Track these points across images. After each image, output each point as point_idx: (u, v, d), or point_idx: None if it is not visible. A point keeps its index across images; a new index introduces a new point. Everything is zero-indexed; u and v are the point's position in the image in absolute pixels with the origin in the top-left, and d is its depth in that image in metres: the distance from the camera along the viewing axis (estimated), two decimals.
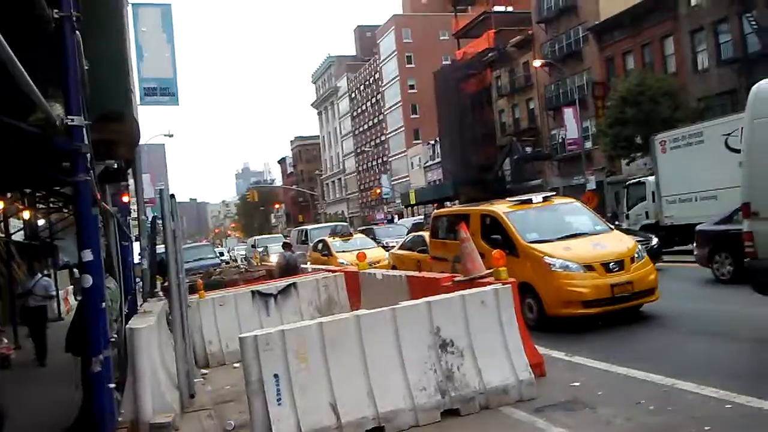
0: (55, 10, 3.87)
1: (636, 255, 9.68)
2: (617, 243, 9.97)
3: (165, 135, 60.66)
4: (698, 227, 13.25)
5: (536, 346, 7.18)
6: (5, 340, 9.38)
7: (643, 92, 28.74)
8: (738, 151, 15.70)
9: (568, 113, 37.29)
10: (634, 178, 24.01)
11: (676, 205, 18.60)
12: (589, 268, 9.25)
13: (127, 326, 6.48)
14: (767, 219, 7.18)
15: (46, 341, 11.06)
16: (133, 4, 13.62)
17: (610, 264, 9.31)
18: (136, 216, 13.98)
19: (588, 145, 37.71)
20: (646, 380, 6.42)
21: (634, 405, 5.67)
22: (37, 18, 3.73)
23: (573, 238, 10.02)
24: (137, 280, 11.70)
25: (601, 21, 37.97)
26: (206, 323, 10.06)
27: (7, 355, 9.58)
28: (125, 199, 11.17)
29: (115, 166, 6.75)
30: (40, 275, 11.82)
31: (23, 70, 3.11)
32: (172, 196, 6.98)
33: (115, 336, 6.52)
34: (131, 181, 11.54)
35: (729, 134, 16.41)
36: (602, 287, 9.09)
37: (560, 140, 41.82)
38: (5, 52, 2.86)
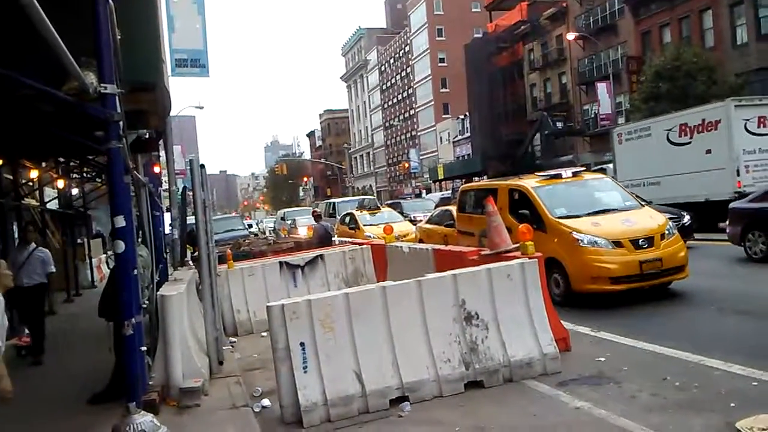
0: None
1: (666, 232, 9.55)
2: (647, 219, 9.84)
3: (195, 107, 60.95)
4: (732, 204, 13.02)
5: (562, 321, 7.17)
6: (26, 330, 8.98)
7: (679, 67, 28.06)
8: (677, 144, 18.60)
9: (602, 88, 36.63)
10: (598, 167, 25.36)
11: (629, 189, 19.39)
12: (617, 244, 9.16)
13: (158, 293, 6.63)
14: None
15: (44, 330, 8.91)
16: None
17: (639, 240, 9.21)
18: (167, 187, 14.23)
19: (621, 120, 37.04)
20: (672, 357, 6.39)
21: (660, 381, 5.65)
22: None
23: (602, 213, 9.92)
24: (168, 249, 11.91)
25: None
26: (235, 293, 10.23)
27: (24, 346, 8.93)
28: (156, 169, 11.31)
29: (147, 136, 6.86)
30: (34, 245, 9.06)
31: (57, 37, 3.16)
32: (202, 166, 7.06)
33: (147, 302, 6.68)
34: (162, 152, 11.70)
35: (670, 130, 19.02)
36: (631, 264, 9.00)
37: (593, 116, 41.14)
38: (40, 18, 2.91)
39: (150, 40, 5.22)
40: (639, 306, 8.91)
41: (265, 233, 31.29)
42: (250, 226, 38.27)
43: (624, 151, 21.60)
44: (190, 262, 11.37)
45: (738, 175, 16.61)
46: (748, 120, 16.85)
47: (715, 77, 28.27)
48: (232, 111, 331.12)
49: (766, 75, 27.84)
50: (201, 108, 54.86)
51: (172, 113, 8.98)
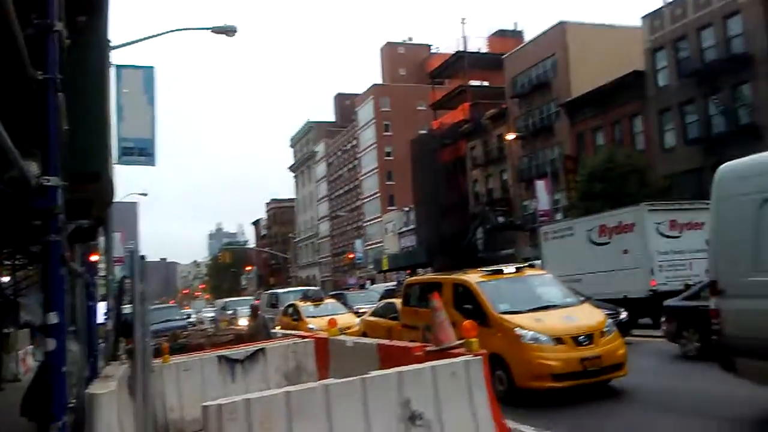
0: (39, 72, 3.91)
1: (606, 329, 9.74)
2: (587, 316, 10.03)
3: (139, 194, 60.06)
4: (666, 303, 13.42)
5: (506, 420, 7.08)
6: None
7: (612, 168, 29.57)
8: (597, 244, 19.62)
9: (540, 185, 38.06)
10: (528, 262, 26.35)
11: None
12: (559, 340, 9.27)
13: (87, 391, 6.27)
14: (733, 297, 7.29)
15: None
16: (116, 66, 13.84)
17: (580, 337, 9.34)
18: (104, 275, 13.76)
19: (559, 216, 38.37)
20: None
21: None
22: (19, 77, 3.76)
23: (544, 309, 10.07)
24: (100, 341, 11.39)
25: (572, 98, 39.34)
26: (169, 389, 9.75)
27: None
28: (94, 257, 10.98)
29: (86, 225, 6.69)
30: None
31: (1, 127, 3.11)
32: (143, 257, 6.90)
33: (74, 401, 6.29)
34: (101, 239, 11.39)
35: (591, 230, 20.03)
36: (572, 361, 9.08)
37: (532, 211, 42.52)
38: None
39: (98, 130, 5.19)
40: (582, 404, 8.91)
41: (203, 323, 30.35)
42: (188, 315, 37.13)
43: (550, 248, 22.46)
44: (123, 356, 10.86)
45: (652, 274, 17.36)
46: (660, 223, 17.83)
47: (646, 178, 29.87)
48: (178, 198, 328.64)
49: (692, 177, 29.55)
50: (145, 195, 53.92)
51: (114, 200, 8.82)
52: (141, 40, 15.72)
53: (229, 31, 15.64)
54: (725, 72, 29.79)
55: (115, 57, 13.89)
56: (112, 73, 13.33)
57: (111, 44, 13.61)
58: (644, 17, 35.12)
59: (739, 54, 29.34)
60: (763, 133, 27.31)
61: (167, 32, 16.65)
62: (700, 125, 31.66)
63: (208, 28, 15.73)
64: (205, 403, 5.31)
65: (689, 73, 31.91)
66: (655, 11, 34.45)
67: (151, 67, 13.47)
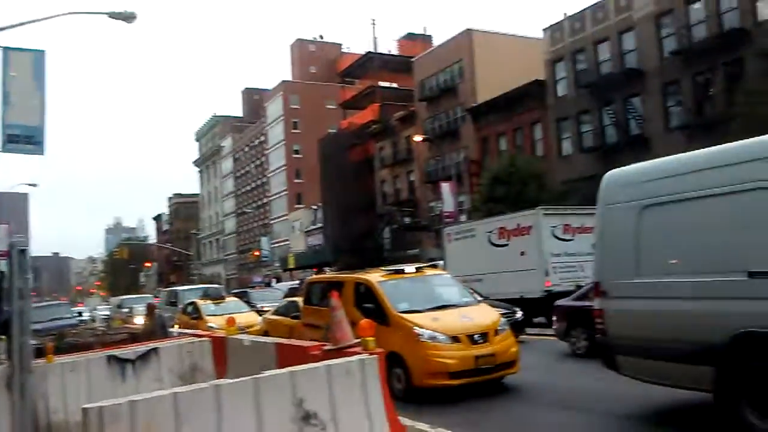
0: None
1: (499, 327, 10.06)
2: (483, 315, 10.32)
3: (28, 184, 56.70)
4: (556, 302, 14.02)
5: (401, 417, 7.16)
6: None
7: (513, 173, 30.65)
8: (497, 245, 20.26)
9: (445, 187, 38.86)
10: (432, 262, 26.99)
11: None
12: (455, 339, 9.48)
13: None
14: (615, 298, 7.69)
15: None
16: (3, 48, 12.95)
17: (475, 336, 9.60)
18: None
19: (463, 218, 39.31)
20: None
21: None
22: None
23: (442, 309, 10.27)
24: None
25: (477, 104, 40.44)
26: (53, 390, 9.22)
27: None
28: None
29: None
30: None
31: None
32: (22, 250, 6.47)
33: None
34: None
35: (491, 232, 20.70)
36: (467, 359, 9.32)
37: (438, 212, 43.34)
38: None
39: None
40: (476, 401, 9.17)
41: (95, 321, 28.99)
42: (80, 313, 35.31)
43: (453, 249, 23.02)
44: (2, 356, 10.18)
45: (547, 275, 18.16)
46: (555, 226, 18.72)
47: (545, 183, 31.16)
48: (74, 190, 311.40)
49: (587, 183, 30.95)
50: (34, 185, 50.93)
51: (0, 189, 8.22)
52: (31, 22, 14.79)
53: (128, 17, 14.96)
54: (619, 85, 31.55)
55: (4, 39, 13.03)
56: None
57: None
58: (545, 29, 36.63)
59: (632, 68, 31.14)
60: (652, 143, 29.12)
61: (61, 15, 15.74)
62: (594, 134, 33.37)
63: (105, 13, 14.98)
64: (85, 405, 5.05)
65: (586, 84, 33.56)
66: (555, 24, 36.01)
67: (42, 51, 12.67)
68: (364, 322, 7.42)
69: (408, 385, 9.47)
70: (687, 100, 29.30)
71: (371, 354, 6.68)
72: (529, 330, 16.32)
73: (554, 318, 13.75)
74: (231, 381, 5.76)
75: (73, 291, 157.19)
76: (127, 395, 5.67)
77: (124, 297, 38.41)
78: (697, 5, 28.85)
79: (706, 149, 7.13)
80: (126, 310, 28.64)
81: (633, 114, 31.64)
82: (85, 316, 40.31)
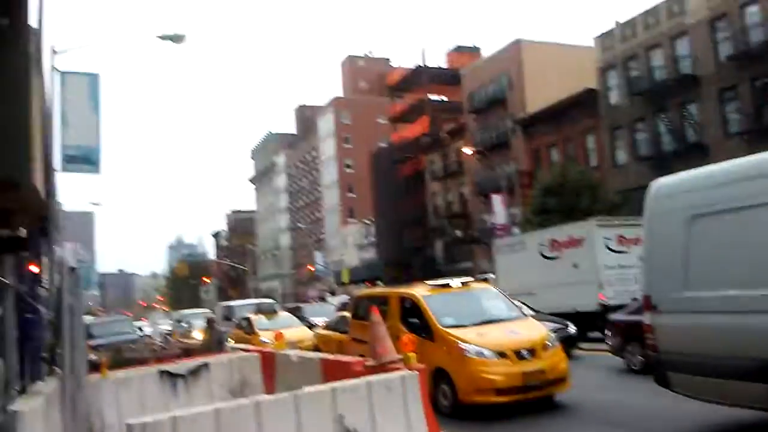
0: None
1: (548, 343, 9.84)
2: (530, 330, 10.12)
3: (92, 204, 58.91)
4: (611, 317, 13.64)
5: None
6: None
7: (564, 184, 30.11)
8: (548, 258, 19.92)
9: (496, 200, 38.48)
10: (484, 276, 26.37)
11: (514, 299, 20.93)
12: (502, 355, 9.32)
13: (11, 408, 6.06)
14: (666, 312, 7.43)
15: None
16: (61, 72, 13.56)
17: (523, 351, 9.42)
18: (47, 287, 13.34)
19: (515, 230, 38.80)
20: None
21: None
22: None
23: (488, 324, 10.13)
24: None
25: (527, 115, 39.98)
26: (107, 405, 9.49)
27: None
28: (34, 268, 10.64)
29: (15, 234, 6.51)
30: None
31: None
32: (73, 269, 6.73)
33: None
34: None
35: (542, 244, 20.28)
36: (514, 375, 9.15)
37: (489, 225, 42.92)
38: None
39: (15, 137, 5.03)
40: (522, 418, 8.96)
41: (151, 337, 29.72)
42: (140, 329, 36.26)
43: (504, 262, 22.67)
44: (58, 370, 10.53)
45: (601, 288, 17.71)
46: (609, 238, 18.26)
47: (598, 194, 30.47)
48: (137, 209, 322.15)
49: (642, 193, 30.08)
50: (97, 205, 53.03)
51: (66, 209, 8.59)
52: (86, 46, 15.41)
53: (176, 38, 15.40)
54: (673, 91, 30.69)
55: (60, 63, 13.65)
56: (57, 80, 13.09)
57: (55, 50, 13.37)
58: (596, 37, 36.01)
59: (687, 74, 30.26)
60: (709, 151, 28.16)
61: (111, 40, 16.36)
62: (649, 143, 32.51)
63: (158, 37, 15.47)
64: (128, 421, 5.18)
65: (639, 91, 32.78)
66: (606, 31, 35.36)
67: (96, 74, 13.27)
68: (406, 337, 7.40)
69: (454, 401, 9.35)
70: (745, 105, 28.26)
71: (412, 370, 6.65)
72: (583, 345, 15.92)
73: (608, 333, 13.38)
74: (271, 397, 5.83)
75: (137, 306, 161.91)
76: (180, 409, 5.79)
77: (184, 311, 39.27)
78: (752, 8, 27.90)
79: (756, 155, 6.85)
80: (185, 324, 29.28)
81: (689, 121, 30.72)
82: (147, 330, 41.46)
